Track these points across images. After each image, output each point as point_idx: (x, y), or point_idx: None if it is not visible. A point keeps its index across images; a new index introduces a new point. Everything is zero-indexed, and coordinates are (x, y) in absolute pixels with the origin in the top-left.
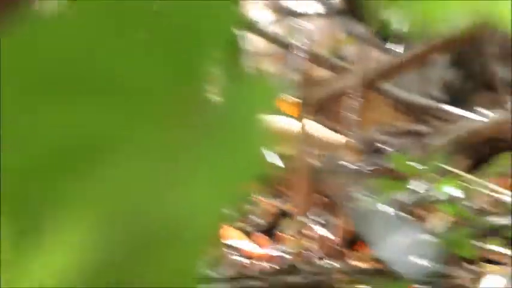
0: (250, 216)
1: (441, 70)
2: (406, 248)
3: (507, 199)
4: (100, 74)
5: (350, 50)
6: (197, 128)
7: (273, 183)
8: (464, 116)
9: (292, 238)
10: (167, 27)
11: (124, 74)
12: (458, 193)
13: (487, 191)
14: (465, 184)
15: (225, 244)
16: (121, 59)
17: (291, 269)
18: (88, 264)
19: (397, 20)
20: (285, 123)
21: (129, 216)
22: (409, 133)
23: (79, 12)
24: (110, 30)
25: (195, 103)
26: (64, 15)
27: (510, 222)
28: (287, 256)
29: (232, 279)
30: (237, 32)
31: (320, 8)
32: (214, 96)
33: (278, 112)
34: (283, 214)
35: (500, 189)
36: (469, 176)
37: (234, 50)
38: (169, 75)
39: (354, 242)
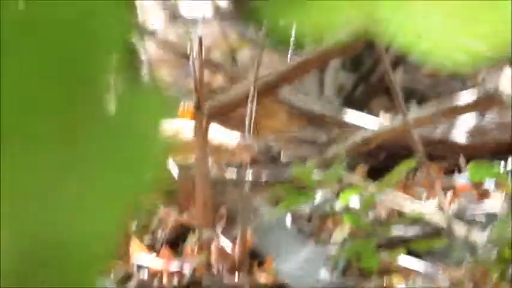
0: (154, 230)
1: (335, 74)
2: (306, 260)
3: (409, 208)
4: None
5: (244, 54)
6: (90, 139)
7: (176, 195)
8: (360, 121)
9: (195, 251)
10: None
11: (11, 88)
12: (358, 203)
13: (388, 201)
14: (366, 193)
15: (132, 260)
16: (8, 75)
17: (195, 284)
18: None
19: (290, 23)
20: (182, 131)
21: (29, 231)
22: (306, 141)
23: None
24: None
25: (87, 115)
26: None
27: (413, 232)
28: (191, 270)
29: None
30: (131, 39)
31: (211, 12)
32: (109, 105)
33: (174, 120)
34: (187, 227)
35: (403, 198)
36: (370, 185)
37: (129, 58)
38: (57, 87)
39: (255, 254)
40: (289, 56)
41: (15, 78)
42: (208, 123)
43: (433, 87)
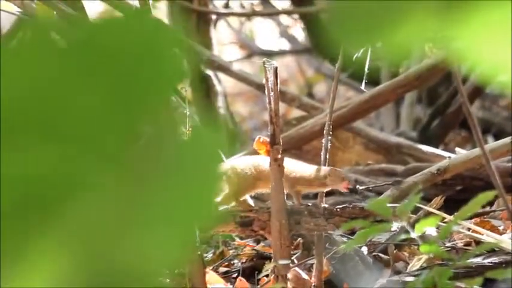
0: (230, 260)
1: (411, 107)
2: None
3: (486, 239)
4: (55, 118)
5: (319, 88)
6: (154, 169)
7: (252, 226)
8: (435, 154)
9: (272, 281)
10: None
11: (78, 118)
12: (435, 233)
13: (465, 231)
14: (443, 224)
15: None
16: (74, 99)
17: None
18: None
19: (365, 57)
20: (260, 163)
21: (94, 257)
22: (382, 172)
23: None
24: (61, 71)
25: (157, 140)
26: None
27: (490, 261)
28: None
29: None
30: (204, 72)
31: (286, 46)
32: (180, 135)
33: (249, 152)
34: (263, 257)
35: (480, 229)
36: (446, 216)
37: (205, 90)
38: (122, 116)
39: (332, 284)
40: (364, 88)
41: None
42: (283, 155)
43: (510, 119)
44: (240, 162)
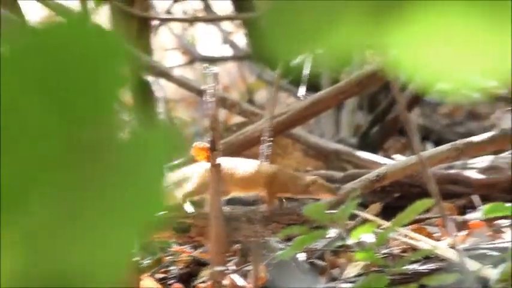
0: (167, 266)
1: (351, 114)
2: None
3: (423, 246)
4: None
5: (261, 94)
6: (96, 173)
7: (189, 232)
8: (374, 161)
9: (208, 287)
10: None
11: (19, 124)
12: (372, 239)
13: (401, 238)
14: (380, 230)
15: None
16: (18, 111)
17: None
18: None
19: (305, 64)
20: (198, 169)
21: (43, 259)
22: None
23: None
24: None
25: (98, 146)
26: None
27: (425, 268)
28: None
29: None
30: (147, 77)
31: (228, 52)
32: (122, 139)
33: (187, 158)
34: (200, 263)
35: (416, 236)
36: (384, 222)
37: (145, 96)
38: (64, 122)
39: None
40: (303, 95)
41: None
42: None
43: (449, 127)
44: (206, 166)
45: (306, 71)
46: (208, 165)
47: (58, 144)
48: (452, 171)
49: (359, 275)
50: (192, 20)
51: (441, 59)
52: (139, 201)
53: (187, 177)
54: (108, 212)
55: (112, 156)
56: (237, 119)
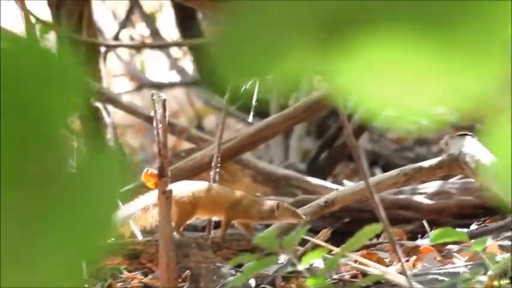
0: None
1: (300, 140)
2: None
3: (373, 271)
4: None
5: (209, 120)
6: (49, 198)
7: (139, 258)
8: (324, 186)
9: None
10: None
11: None
12: (322, 265)
13: (352, 263)
14: (330, 256)
15: None
16: None
17: None
18: None
19: (254, 89)
20: (198, 190)
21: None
22: None
23: None
24: None
25: (47, 174)
26: None
27: None
28: None
29: None
30: (93, 104)
31: (176, 78)
32: (71, 165)
33: (137, 184)
34: None
35: (366, 261)
36: (334, 248)
37: (93, 122)
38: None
39: None
40: (252, 120)
41: None
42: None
43: (398, 152)
44: (177, 190)
45: (255, 97)
46: (196, 186)
47: (6, 174)
48: (401, 196)
49: None
50: (139, 46)
51: (388, 86)
52: (88, 227)
53: (145, 207)
54: (56, 239)
55: (61, 183)
56: (186, 145)
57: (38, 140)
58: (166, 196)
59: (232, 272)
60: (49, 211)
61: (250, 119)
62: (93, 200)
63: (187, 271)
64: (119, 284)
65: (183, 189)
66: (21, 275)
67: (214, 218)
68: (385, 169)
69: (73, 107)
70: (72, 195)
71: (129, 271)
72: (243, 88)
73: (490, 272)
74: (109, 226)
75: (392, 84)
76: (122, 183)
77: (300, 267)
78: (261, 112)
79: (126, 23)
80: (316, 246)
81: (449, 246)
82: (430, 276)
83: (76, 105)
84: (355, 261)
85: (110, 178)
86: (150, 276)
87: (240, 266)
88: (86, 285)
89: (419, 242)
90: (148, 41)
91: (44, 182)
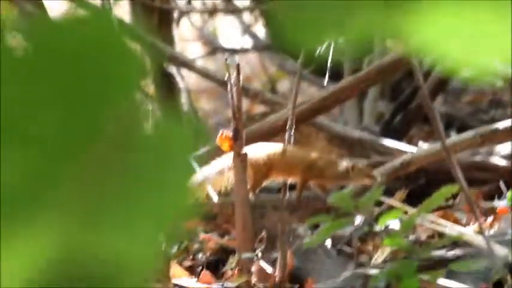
0: (195, 253)
1: (374, 102)
2: (346, 282)
3: (450, 232)
4: (14, 121)
5: (283, 84)
6: (120, 164)
7: (216, 219)
8: (398, 148)
9: (236, 274)
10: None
11: (38, 119)
12: (399, 226)
13: (428, 224)
14: (406, 216)
15: (172, 283)
16: (34, 105)
17: None
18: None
19: (328, 52)
20: (273, 152)
21: (73, 253)
22: None
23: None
24: (21, 77)
25: (122, 137)
26: None
27: (453, 254)
28: None
29: None
30: (169, 69)
31: (249, 43)
32: (146, 131)
33: (212, 148)
34: (227, 251)
35: (443, 222)
36: (410, 209)
37: (168, 87)
38: (84, 114)
39: (295, 277)
40: (326, 84)
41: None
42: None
43: (473, 114)
44: (252, 152)
45: (330, 60)
46: (271, 147)
47: (82, 136)
48: (477, 158)
49: (386, 261)
50: (212, 11)
51: (464, 44)
52: (164, 192)
53: (221, 170)
54: (134, 203)
55: (136, 146)
56: (260, 108)
57: (112, 106)
58: (241, 159)
59: (308, 233)
60: (125, 174)
61: (325, 82)
62: (168, 163)
63: (264, 232)
64: (196, 246)
65: (258, 151)
66: (94, 242)
67: (290, 180)
68: (460, 131)
69: (144, 72)
70: (148, 160)
71: (206, 232)
72: (316, 52)
73: None
74: (184, 188)
75: (468, 42)
76: (197, 146)
77: (377, 228)
78: (334, 75)
79: None
80: (392, 208)
81: None
82: (508, 237)
83: (148, 71)
84: (432, 222)
85: (185, 141)
86: (226, 238)
87: (316, 227)
88: (163, 248)
89: (495, 203)
90: (221, 6)
91: (119, 144)
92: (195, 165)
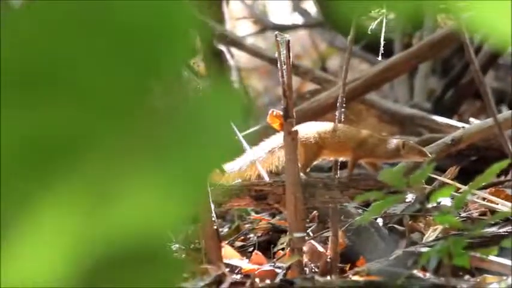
0: (246, 234)
1: (425, 79)
2: (398, 260)
3: (502, 208)
4: (66, 76)
5: (333, 61)
6: (165, 127)
7: (267, 199)
8: (450, 125)
9: (288, 254)
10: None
11: (90, 75)
12: (450, 203)
13: (480, 201)
14: (458, 194)
15: (224, 263)
16: (86, 61)
17: (288, 285)
18: (72, 263)
19: (378, 29)
20: (324, 130)
21: (98, 220)
22: None
23: (40, 13)
24: (73, 34)
25: (164, 105)
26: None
27: (505, 230)
28: (283, 272)
29: None
30: (219, 46)
31: (299, 20)
32: (190, 100)
33: (262, 126)
34: (278, 230)
35: (494, 199)
36: (461, 186)
37: (218, 64)
38: (133, 76)
39: (347, 256)
40: (376, 61)
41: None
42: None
43: None
44: (303, 131)
45: (381, 36)
46: (322, 126)
47: (130, 97)
48: None
49: (438, 239)
50: None
51: None
52: (203, 155)
53: (271, 150)
54: (172, 164)
55: (184, 120)
56: (310, 86)
57: (159, 73)
58: (292, 137)
59: (360, 211)
60: (171, 147)
61: (379, 57)
62: (211, 130)
63: (315, 211)
64: (247, 225)
65: (308, 130)
66: (138, 204)
67: (341, 158)
68: (511, 107)
69: (194, 49)
70: (191, 124)
71: (257, 212)
72: (367, 28)
73: None
74: (222, 152)
75: None
76: (245, 124)
77: (428, 205)
78: (385, 51)
79: None
80: (443, 185)
81: None
82: None
83: (198, 48)
84: (483, 199)
85: (231, 112)
86: (277, 217)
87: (367, 206)
88: (215, 227)
89: None
90: None
91: (165, 111)
92: (246, 143)
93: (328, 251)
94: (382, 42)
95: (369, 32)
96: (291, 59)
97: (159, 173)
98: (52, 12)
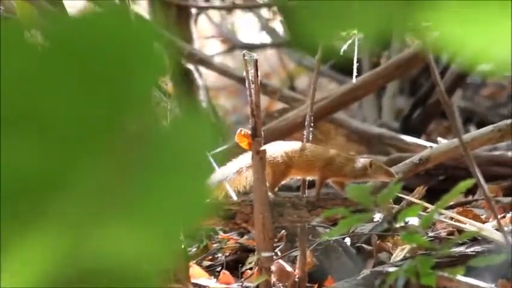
0: (214, 253)
1: (393, 98)
2: (366, 279)
3: (469, 228)
4: (34, 113)
5: (302, 80)
6: (139, 160)
7: (235, 218)
8: (417, 144)
9: (256, 273)
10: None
11: (59, 114)
12: (418, 222)
13: (448, 220)
14: (425, 213)
15: (192, 283)
16: (54, 97)
17: None
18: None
19: (344, 48)
20: (291, 150)
21: (81, 249)
22: None
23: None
24: (45, 75)
25: (141, 133)
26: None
27: (472, 250)
28: None
29: None
30: (187, 65)
31: (267, 39)
32: (165, 127)
33: (230, 145)
34: (247, 250)
35: (462, 218)
36: (429, 205)
37: (186, 84)
38: (104, 110)
39: (315, 275)
40: (347, 80)
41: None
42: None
43: (492, 109)
44: (271, 150)
45: (347, 56)
46: (289, 145)
47: (101, 130)
48: (496, 152)
49: (406, 258)
50: (230, 8)
51: (482, 39)
52: (183, 189)
53: (239, 169)
54: (151, 200)
55: (154, 144)
56: (279, 105)
57: (129, 101)
58: (260, 156)
59: (327, 231)
60: (143, 172)
61: (353, 77)
62: (186, 161)
63: (283, 231)
64: (215, 245)
65: (276, 149)
66: (115, 239)
67: (309, 178)
68: (479, 126)
69: (163, 69)
70: (165, 156)
71: (225, 232)
72: (334, 47)
73: None
74: (202, 186)
75: (486, 36)
76: (215, 144)
77: (396, 225)
78: (353, 71)
79: None
80: (411, 204)
81: None
82: None
83: (166, 68)
84: (451, 219)
85: (203, 138)
86: (245, 237)
87: (335, 225)
88: (183, 246)
89: None
90: (239, 2)
91: (136, 143)
92: (213, 163)
93: (296, 271)
94: (349, 62)
95: (341, 53)
96: (259, 78)
97: (135, 210)
98: (17, 50)
